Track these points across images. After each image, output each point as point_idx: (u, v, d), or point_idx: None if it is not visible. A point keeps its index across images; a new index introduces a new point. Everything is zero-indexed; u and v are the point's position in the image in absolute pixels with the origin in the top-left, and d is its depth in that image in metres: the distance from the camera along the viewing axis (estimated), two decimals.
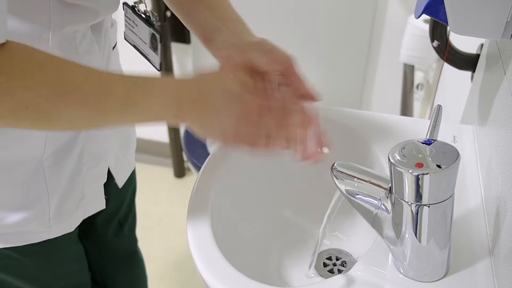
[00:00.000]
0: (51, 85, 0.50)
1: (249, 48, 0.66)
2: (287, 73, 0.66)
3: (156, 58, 0.78)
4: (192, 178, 2.05)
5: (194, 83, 0.60)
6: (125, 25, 0.81)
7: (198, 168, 1.49)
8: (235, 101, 0.59)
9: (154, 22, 0.77)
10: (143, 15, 0.78)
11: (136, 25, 0.79)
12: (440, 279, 0.55)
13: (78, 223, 0.79)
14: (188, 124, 0.60)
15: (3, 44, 0.47)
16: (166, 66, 1.77)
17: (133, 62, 0.87)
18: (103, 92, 0.53)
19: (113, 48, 0.81)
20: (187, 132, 1.66)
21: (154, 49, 0.78)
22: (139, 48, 0.81)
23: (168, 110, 0.58)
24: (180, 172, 2.10)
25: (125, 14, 0.79)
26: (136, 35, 0.80)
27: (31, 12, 0.57)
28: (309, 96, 0.66)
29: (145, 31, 0.78)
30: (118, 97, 0.54)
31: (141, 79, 0.56)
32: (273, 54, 0.66)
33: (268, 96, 0.62)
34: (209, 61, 0.70)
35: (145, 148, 2.07)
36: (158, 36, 0.76)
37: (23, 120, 0.51)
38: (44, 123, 0.53)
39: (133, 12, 0.78)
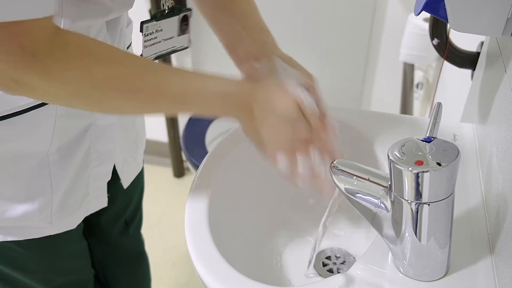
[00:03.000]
0: (105, 79, 0.53)
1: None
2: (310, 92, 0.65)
3: (185, 38, 0.78)
4: (191, 177, 2.04)
5: (257, 95, 0.60)
6: (144, 45, 0.76)
7: (197, 167, 1.49)
8: (285, 128, 0.59)
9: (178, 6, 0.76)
10: (168, 11, 0.76)
11: (160, 30, 0.76)
12: (440, 278, 0.54)
13: (80, 221, 0.79)
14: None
15: (58, 33, 0.49)
16: None
17: None
18: (157, 90, 0.56)
19: (128, 48, 0.81)
20: (186, 132, 1.65)
21: (183, 31, 0.78)
22: (163, 53, 0.79)
23: (220, 113, 0.62)
24: (179, 171, 2.10)
25: (144, 33, 0.75)
26: (158, 42, 0.78)
27: None
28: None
29: (171, 25, 0.76)
30: (171, 96, 0.57)
31: (199, 82, 0.58)
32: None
33: (311, 139, 0.62)
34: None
35: (144, 148, 2.06)
36: (189, 12, 0.75)
37: (76, 103, 0.56)
38: (96, 108, 0.59)
39: (156, 20, 0.75)
